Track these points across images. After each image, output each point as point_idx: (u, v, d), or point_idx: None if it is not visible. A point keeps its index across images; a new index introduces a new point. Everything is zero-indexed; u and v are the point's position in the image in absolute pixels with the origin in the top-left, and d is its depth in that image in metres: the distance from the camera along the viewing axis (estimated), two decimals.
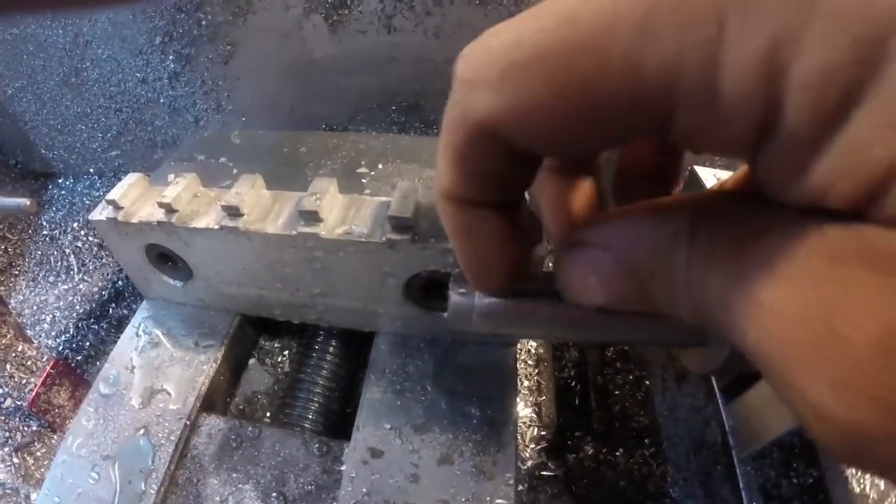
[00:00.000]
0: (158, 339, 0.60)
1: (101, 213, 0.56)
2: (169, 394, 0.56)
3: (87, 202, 0.94)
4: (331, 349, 0.62)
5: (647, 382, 0.78)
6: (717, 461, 0.60)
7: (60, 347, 0.81)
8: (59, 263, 0.90)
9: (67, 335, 0.81)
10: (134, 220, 0.54)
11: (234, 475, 0.51)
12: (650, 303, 0.19)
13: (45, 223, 0.94)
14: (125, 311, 0.82)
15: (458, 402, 0.53)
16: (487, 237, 0.23)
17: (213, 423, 0.54)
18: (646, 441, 0.74)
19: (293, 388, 0.60)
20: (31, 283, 0.91)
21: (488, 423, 0.52)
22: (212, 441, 0.53)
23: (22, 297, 0.90)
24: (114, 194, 0.55)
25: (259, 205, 0.51)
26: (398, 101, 0.76)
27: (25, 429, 0.75)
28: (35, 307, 0.88)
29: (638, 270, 0.19)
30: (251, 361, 0.65)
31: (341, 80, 0.76)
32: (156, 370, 0.58)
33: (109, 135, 0.92)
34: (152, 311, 0.63)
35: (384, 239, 0.47)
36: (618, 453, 0.73)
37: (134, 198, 0.56)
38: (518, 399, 0.61)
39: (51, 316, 0.86)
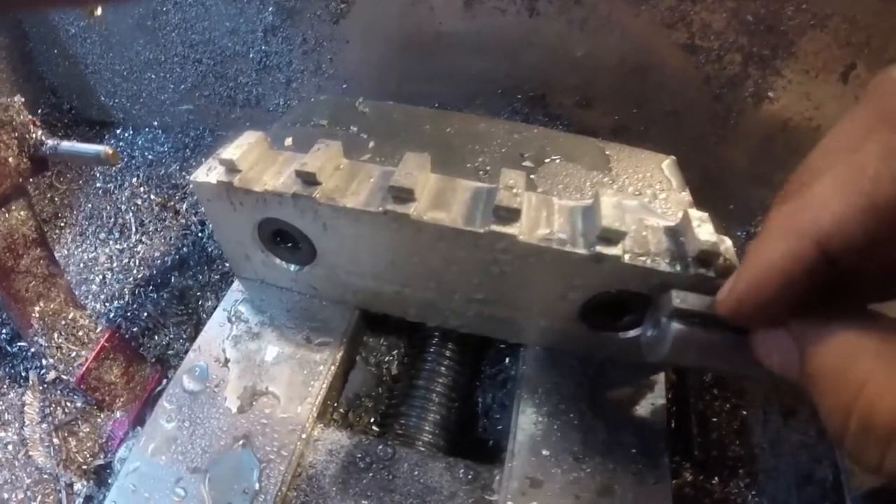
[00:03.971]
0: (258, 329, 0.48)
1: (208, 175, 0.43)
2: (276, 398, 0.43)
3: (150, 157, 0.79)
4: (447, 353, 0.51)
5: (745, 412, 0.70)
6: (826, 498, 0.52)
7: (112, 315, 0.66)
8: (113, 220, 0.74)
9: (121, 302, 0.67)
10: (257, 189, 0.41)
11: (364, 502, 0.39)
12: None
13: (98, 174, 0.79)
14: (189, 282, 0.68)
15: (615, 430, 0.43)
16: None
17: (334, 438, 0.42)
18: (740, 472, 0.66)
19: (408, 396, 0.48)
20: (79, 238, 0.75)
21: (646, 452, 0.42)
22: (333, 459, 0.41)
23: (66, 252, 0.74)
24: (231, 153, 0.42)
25: (428, 190, 0.39)
26: (525, 91, 0.64)
27: (68, 405, 0.61)
28: (82, 265, 0.73)
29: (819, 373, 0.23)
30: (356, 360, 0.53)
31: (466, 59, 0.63)
32: (258, 367, 0.45)
33: (183, 87, 0.77)
34: (248, 293, 0.50)
35: (592, 251, 0.35)
36: (713, 481, 0.65)
37: (253, 161, 0.43)
38: None
39: (100, 277, 0.71)
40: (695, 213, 0.40)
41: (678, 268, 0.37)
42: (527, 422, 0.42)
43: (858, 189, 0.21)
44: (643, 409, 0.45)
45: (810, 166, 0.24)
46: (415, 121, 0.50)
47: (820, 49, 0.68)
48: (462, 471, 0.40)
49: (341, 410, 0.50)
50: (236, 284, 0.51)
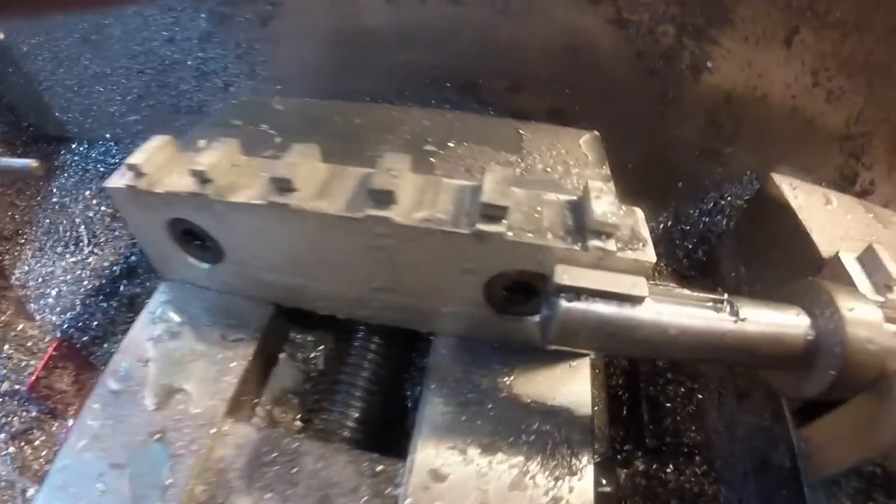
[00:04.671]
0: (178, 328, 0.49)
1: (119, 180, 0.44)
2: (189, 394, 0.44)
3: (102, 169, 0.81)
4: (373, 347, 0.51)
5: (700, 396, 0.69)
6: (783, 485, 0.51)
7: (65, 326, 0.68)
8: (69, 234, 0.77)
9: (73, 312, 0.69)
10: (158, 190, 0.42)
11: (268, 495, 0.40)
12: None
13: (55, 190, 0.81)
14: (138, 290, 0.69)
15: (531, 419, 0.42)
16: None
17: (243, 432, 0.43)
18: (697, 458, 0.65)
19: (331, 391, 0.49)
20: (38, 254, 0.78)
21: (565, 443, 0.41)
22: (241, 453, 0.42)
23: (27, 268, 0.77)
24: (136, 158, 0.43)
25: (314, 179, 0.39)
26: (454, 79, 0.65)
27: (24, 414, 0.63)
28: (40, 279, 0.75)
29: None
30: (281, 356, 0.54)
31: (393, 53, 0.64)
32: (175, 365, 0.46)
33: (129, 98, 0.79)
34: (172, 295, 0.51)
35: (472, 230, 0.36)
36: (668, 470, 0.64)
37: (159, 163, 0.44)
38: None
39: (56, 290, 0.73)
40: (595, 185, 0.39)
41: (573, 243, 0.37)
42: (433, 412, 0.42)
43: None
44: (565, 398, 0.44)
45: None
46: (326, 114, 0.51)
47: (758, 15, 0.66)
48: (366, 464, 0.41)
49: (267, 407, 0.50)
50: (162, 286, 0.52)
